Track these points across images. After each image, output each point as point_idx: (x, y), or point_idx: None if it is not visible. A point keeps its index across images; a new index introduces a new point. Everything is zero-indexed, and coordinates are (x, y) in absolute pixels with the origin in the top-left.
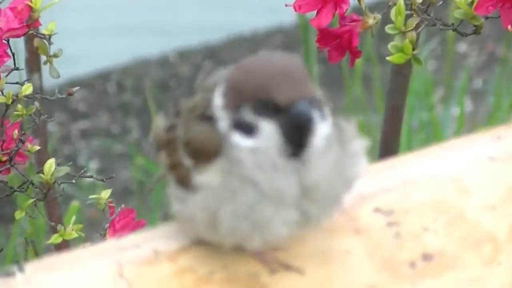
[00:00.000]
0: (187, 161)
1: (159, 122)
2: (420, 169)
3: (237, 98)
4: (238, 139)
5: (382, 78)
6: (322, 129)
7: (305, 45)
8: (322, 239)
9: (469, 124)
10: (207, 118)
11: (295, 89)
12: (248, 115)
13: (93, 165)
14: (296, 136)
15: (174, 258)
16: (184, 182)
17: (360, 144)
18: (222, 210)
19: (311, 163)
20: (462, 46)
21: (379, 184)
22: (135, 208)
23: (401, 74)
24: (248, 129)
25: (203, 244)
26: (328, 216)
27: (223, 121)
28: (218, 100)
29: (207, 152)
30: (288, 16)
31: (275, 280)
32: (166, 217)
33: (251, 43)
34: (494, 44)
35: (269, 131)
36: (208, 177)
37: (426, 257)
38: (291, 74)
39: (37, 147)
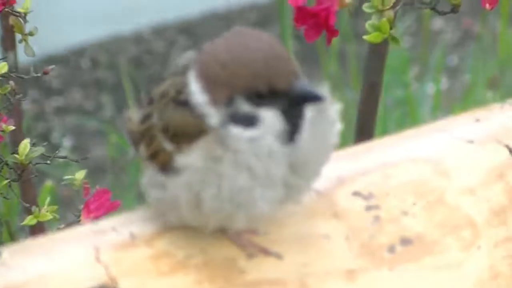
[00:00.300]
0: (168, 146)
1: (133, 115)
2: (399, 152)
3: (226, 91)
4: (237, 132)
5: (357, 55)
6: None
7: (280, 22)
8: (301, 223)
9: (445, 102)
10: (182, 102)
11: (287, 70)
12: (243, 107)
13: (67, 142)
14: (296, 119)
15: (151, 242)
16: (166, 167)
17: (335, 109)
18: (206, 191)
19: (301, 144)
20: (438, 23)
21: (358, 168)
22: (109, 187)
23: (377, 53)
24: (245, 120)
25: (180, 228)
26: (309, 189)
27: (213, 117)
28: (199, 96)
29: (188, 134)
30: None
31: (253, 265)
32: (141, 195)
33: (226, 19)
34: (470, 20)
35: (271, 118)
36: (191, 158)
37: (405, 241)
38: (278, 54)
39: (12, 127)
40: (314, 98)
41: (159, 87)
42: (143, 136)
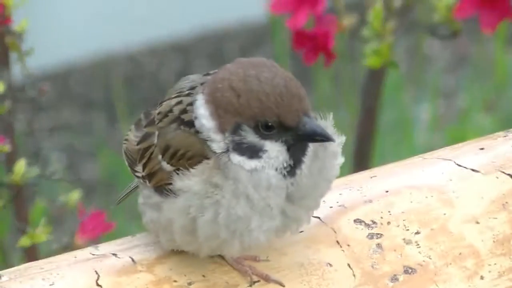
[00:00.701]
0: (166, 166)
1: (131, 135)
2: (403, 180)
3: (234, 118)
4: (240, 160)
5: (352, 77)
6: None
7: (274, 42)
8: (303, 251)
9: (440, 125)
10: (187, 123)
11: (298, 107)
12: (249, 136)
13: (57, 160)
14: (299, 154)
15: (152, 267)
16: (163, 187)
17: (338, 142)
18: (202, 216)
19: (301, 177)
20: (433, 45)
21: (360, 195)
22: (100, 206)
23: (375, 77)
24: (249, 150)
25: (182, 254)
26: (307, 220)
27: (218, 144)
28: (206, 122)
29: (188, 156)
30: (254, 11)
31: None
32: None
33: (218, 38)
34: (465, 43)
35: (275, 151)
36: (190, 182)
37: (408, 270)
38: (291, 91)
39: (8, 147)
40: (322, 138)
41: (161, 106)
42: (141, 156)
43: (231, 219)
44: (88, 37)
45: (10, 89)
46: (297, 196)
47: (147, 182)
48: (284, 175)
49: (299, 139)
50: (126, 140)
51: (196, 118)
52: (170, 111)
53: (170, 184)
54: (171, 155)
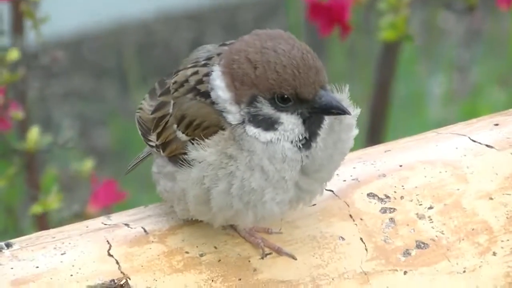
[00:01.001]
0: (182, 135)
1: (145, 104)
2: (417, 155)
3: (250, 90)
4: (256, 132)
5: (366, 49)
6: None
7: (288, 14)
8: (315, 224)
9: (453, 99)
10: (202, 94)
11: (316, 78)
12: (265, 108)
13: (67, 123)
14: (315, 126)
15: (164, 238)
16: (178, 157)
17: (353, 114)
18: (216, 187)
19: (316, 150)
20: (448, 18)
21: (374, 169)
22: (111, 172)
23: (390, 51)
24: (265, 122)
25: (194, 225)
26: (321, 192)
27: (234, 115)
28: (222, 93)
29: (204, 127)
30: None
31: (266, 264)
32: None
33: (232, 9)
34: (480, 18)
35: (291, 124)
36: (205, 152)
37: (420, 245)
38: (309, 63)
39: (21, 115)
40: (338, 111)
41: (177, 76)
42: (155, 125)
43: (245, 191)
44: (101, 5)
45: (24, 56)
46: (312, 169)
47: (161, 151)
48: (300, 148)
49: (315, 112)
50: (140, 109)
51: (212, 89)
52: (186, 81)
53: (185, 154)
54: (187, 125)
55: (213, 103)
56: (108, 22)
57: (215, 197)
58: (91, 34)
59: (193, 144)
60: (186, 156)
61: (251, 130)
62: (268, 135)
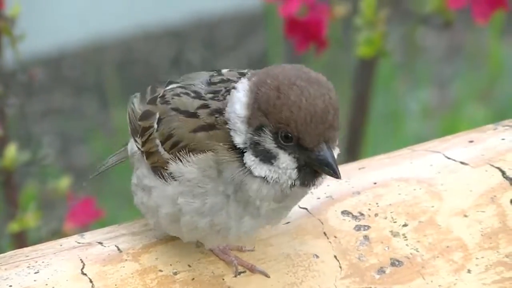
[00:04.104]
0: (164, 153)
1: (136, 105)
2: (392, 172)
3: (262, 118)
4: (253, 161)
5: (345, 65)
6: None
7: (268, 30)
8: (289, 242)
9: (433, 115)
10: (207, 127)
11: (324, 133)
12: (268, 141)
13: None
14: (308, 179)
15: (138, 257)
16: (157, 169)
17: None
18: (189, 206)
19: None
20: (427, 36)
21: (349, 187)
22: (90, 189)
23: (367, 66)
24: (264, 154)
25: (168, 243)
26: (286, 215)
27: (241, 135)
28: (239, 108)
29: (190, 149)
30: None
31: (240, 283)
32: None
33: (211, 25)
34: (460, 33)
35: (286, 163)
36: (186, 168)
37: (395, 263)
38: (325, 116)
39: (0, 132)
40: (329, 171)
41: (183, 98)
42: (141, 132)
43: (214, 212)
44: (80, 22)
45: (1, 74)
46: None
47: (145, 158)
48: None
49: (310, 162)
50: (132, 104)
51: (230, 100)
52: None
53: (164, 167)
54: (172, 145)
55: (225, 122)
56: (88, 39)
57: (185, 216)
58: (71, 51)
59: (176, 159)
60: (165, 169)
61: (250, 158)
62: (264, 170)
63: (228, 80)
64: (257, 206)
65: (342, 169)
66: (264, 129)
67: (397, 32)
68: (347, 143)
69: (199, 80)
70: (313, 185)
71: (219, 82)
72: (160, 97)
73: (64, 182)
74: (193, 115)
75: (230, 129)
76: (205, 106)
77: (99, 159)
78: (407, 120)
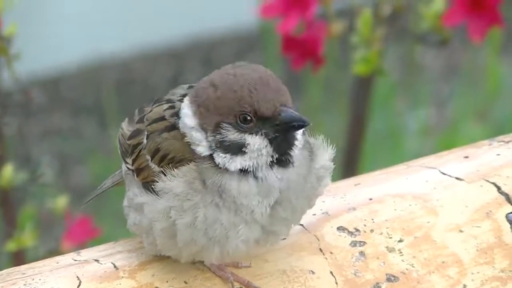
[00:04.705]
0: (155, 167)
1: (124, 128)
2: (387, 188)
3: (215, 117)
4: (225, 158)
5: (343, 82)
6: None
7: (265, 49)
8: (285, 258)
9: (431, 134)
10: (173, 126)
11: (275, 96)
12: (230, 133)
13: (46, 161)
14: (285, 146)
15: (134, 274)
16: (150, 184)
17: (327, 165)
18: (182, 219)
19: (292, 172)
20: (426, 53)
21: (344, 203)
22: (89, 210)
23: (364, 84)
24: (232, 147)
25: (164, 260)
26: (286, 234)
27: (201, 144)
28: (188, 120)
29: (177, 161)
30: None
31: None
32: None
33: (209, 45)
34: (458, 52)
35: (257, 144)
36: (172, 183)
37: (391, 278)
38: (268, 83)
39: None
40: (300, 124)
41: (151, 112)
42: (131, 151)
43: (208, 224)
44: (79, 43)
45: None
46: (286, 196)
47: (135, 175)
48: (271, 166)
49: (278, 130)
50: (121, 128)
51: (180, 118)
52: (162, 117)
53: (156, 180)
54: (161, 159)
55: (182, 133)
56: (87, 59)
57: (180, 230)
58: (69, 72)
59: (163, 174)
60: (156, 185)
61: (220, 157)
62: (238, 161)
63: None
64: (248, 206)
65: (338, 185)
66: (221, 125)
67: (396, 51)
68: (345, 161)
69: (181, 88)
70: (290, 157)
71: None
72: (147, 115)
73: (62, 202)
74: (162, 118)
75: (189, 143)
76: (171, 107)
77: (98, 179)
78: (406, 138)
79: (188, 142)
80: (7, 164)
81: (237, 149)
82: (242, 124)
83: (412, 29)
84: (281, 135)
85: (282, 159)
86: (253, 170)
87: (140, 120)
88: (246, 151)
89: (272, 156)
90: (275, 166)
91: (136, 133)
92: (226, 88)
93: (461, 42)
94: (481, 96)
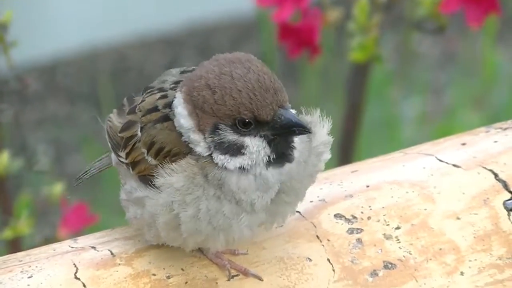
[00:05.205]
0: (151, 160)
1: (114, 120)
2: (384, 175)
3: (212, 119)
4: (223, 159)
5: (339, 71)
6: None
7: (261, 37)
8: (282, 245)
9: (427, 122)
10: (169, 119)
11: (274, 99)
12: (229, 135)
13: (41, 148)
14: (283, 147)
15: (131, 261)
16: (147, 177)
17: (326, 140)
18: (186, 212)
19: (292, 170)
20: (422, 41)
21: (341, 190)
22: (84, 197)
23: (360, 72)
24: (231, 148)
25: (161, 247)
26: (292, 212)
27: (199, 144)
28: (185, 121)
29: (174, 154)
30: (242, 5)
31: (233, 286)
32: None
33: (205, 33)
34: (454, 40)
35: (256, 146)
36: (172, 178)
37: (388, 265)
38: (265, 84)
39: None
40: (299, 130)
41: (144, 102)
42: (124, 144)
43: (211, 215)
44: (75, 30)
45: None
46: (287, 189)
47: (131, 169)
48: (272, 168)
49: (277, 133)
50: (109, 121)
51: (175, 116)
52: (155, 107)
53: (153, 174)
54: (157, 152)
55: (180, 138)
56: (82, 47)
57: (184, 221)
58: (65, 60)
59: (161, 169)
60: (155, 180)
61: (219, 157)
62: (237, 161)
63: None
64: (248, 201)
65: (335, 172)
66: (220, 126)
67: (392, 39)
68: (340, 149)
69: (171, 75)
70: (289, 156)
71: (190, 71)
72: (139, 105)
73: (58, 189)
74: (155, 108)
75: (187, 142)
76: (163, 97)
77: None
78: (402, 126)
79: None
80: (3, 152)
81: (236, 150)
82: (241, 128)
83: (408, 16)
84: (280, 137)
85: (281, 157)
86: (252, 168)
87: (132, 111)
88: (245, 152)
89: (269, 156)
90: (274, 164)
91: (128, 125)
92: (224, 92)
93: (456, 30)
94: (477, 83)
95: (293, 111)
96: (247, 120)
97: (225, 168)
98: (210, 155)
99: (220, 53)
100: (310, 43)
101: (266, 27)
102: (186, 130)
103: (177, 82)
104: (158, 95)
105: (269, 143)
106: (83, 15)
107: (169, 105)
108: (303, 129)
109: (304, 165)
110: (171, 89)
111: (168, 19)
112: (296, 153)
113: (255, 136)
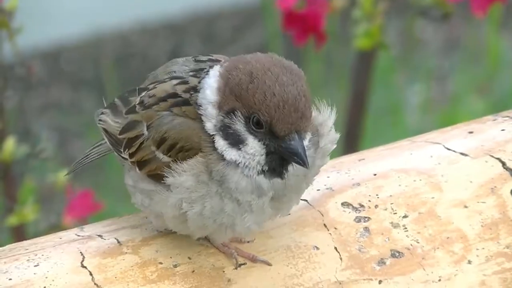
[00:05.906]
0: (163, 157)
1: (108, 120)
2: (392, 164)
3: (234, 102)
4: (223, 145)
5: (344, 58)
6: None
7: (265, 23)
8: (289, 234)
9: (432, 108)
10: (189, 104)
11: (296, 122)
12: (239, 124)
13: (45, 135)
14: (277, 164)
15: (137, 249)
16: (157, 176)
17: (333, 138)
18: (192, 209)
19: (282, 183)
20: (426, 28)
21: (349, 178)
22: (89, 184)
23: (365, 60)
24: (233, 137)
25: (168, 236)
26: (297, 202)
27: (211, 120)
28: (210, 93)
29: (186, 149)
30: None
31: (240, 275)
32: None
33: (208, 19)
34: (458, 26)
35: (254, 149)
36: (181, 178)
37: (395, 254)
38: (297, 105)
39: None
40: (298, 161)
41: (155, 89)
42: (127, 145)
43: (215, 213)
44: (79, 16)
45: (0, 68)
46: (280, 196)
47: (137, 168)
48: (267, 177)
49: (279, 151)
50: (102, 121)
51: (201, 88)
52: (174, 94)
53: (165, 172)
54: (169, 148)
55: (197, 110)
56: (86, 33)
57: (191, 218)
58: (69, 45)
59: (171, 167)
60: (165, 176)
61: (220, 142)
62: (233, 153)
63: (217, 60)
64: (245, 201)
65: (342, 160)
66: (236, 112)
67: (396, 26)
68: (346, 136)
69: (180, 64)
70: (283, 172)
71: (207, 61)
72: (138, 104)
73: (62, 176)
74: (173, 94)
75: (201, 114)
76: (183, 83)
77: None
78: (406, 113)
79: (199, 114)
80: (8, 138)
81: (236, 142)
82: (252, 125)
83: (414, 3)
84: (278, 154)
85: (272, 171)
86: (245, 169)
87: (131, 111)
88: (242, 149)
89: (263, 167)
90: (266, 174)
91: (131, 125)
92: (260, 87)
93: (461, 17)
94: (481, 70)
95: (307, 142)
96: (261, 122)
97: (224, 158)
98: (215, 149)
99: (227, 40)
100: (315, 30)
101: (270, 14)
102: (207, 102)
103: (196, 70)
104: (174, 81)
105: (267, 154)
106: (87, 1)
107: (193, 89)
108: (302, 163)
109: (309, 169)
110: (192, 76)
111: (172, 5)
112: (290, 169)
113: (259, 140)
